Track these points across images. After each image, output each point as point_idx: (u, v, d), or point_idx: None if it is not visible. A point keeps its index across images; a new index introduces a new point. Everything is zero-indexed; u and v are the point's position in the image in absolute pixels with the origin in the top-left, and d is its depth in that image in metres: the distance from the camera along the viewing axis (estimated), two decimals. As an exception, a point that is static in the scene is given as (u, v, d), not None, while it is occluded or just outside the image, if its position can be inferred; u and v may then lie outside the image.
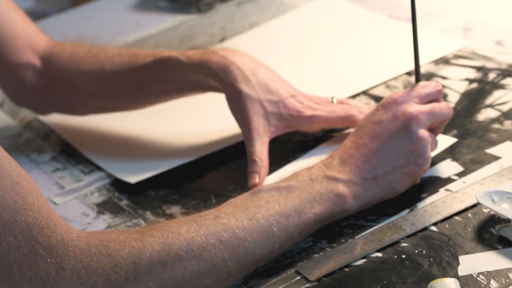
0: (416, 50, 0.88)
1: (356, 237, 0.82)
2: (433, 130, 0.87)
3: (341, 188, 0.81)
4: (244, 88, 0.94)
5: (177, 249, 0.73)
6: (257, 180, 0.92)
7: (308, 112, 0.95)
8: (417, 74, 0.88)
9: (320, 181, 0.82)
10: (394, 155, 0.83)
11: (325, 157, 0.85)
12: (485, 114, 0.97)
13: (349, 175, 0.82)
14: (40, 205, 0.71)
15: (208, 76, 0.96)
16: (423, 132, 0.84)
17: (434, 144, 0.87)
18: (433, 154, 0.91)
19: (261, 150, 0.93)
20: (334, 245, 0.82)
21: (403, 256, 0.78)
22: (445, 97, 1.02)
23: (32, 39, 1.07)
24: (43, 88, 1.07)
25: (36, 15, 1.53)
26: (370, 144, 0.83)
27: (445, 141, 0.93)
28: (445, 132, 0.95)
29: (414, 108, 0.84)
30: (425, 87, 0.87)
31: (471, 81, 1.04)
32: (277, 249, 0.79)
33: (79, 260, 0.71)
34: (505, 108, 0.97)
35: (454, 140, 0.93)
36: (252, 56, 0.97)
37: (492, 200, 0.79)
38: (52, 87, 1.07)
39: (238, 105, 0.94)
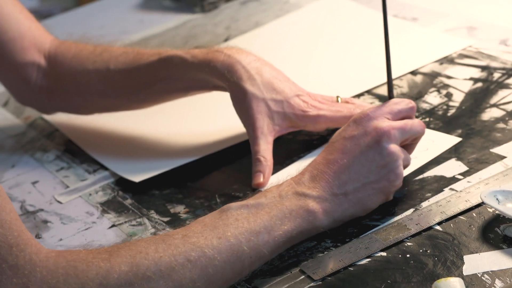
0: (388, 66, 0.86)
1: (361, 236, 0.82)
2: (406, 148, 0.85)
3: (311, 204, 0.80)
4: (249, 87, 0.94)
5: (145, 269, 0.72)
6: (261, 179, 0.91)
7: (313, 111, 0.95)
8: (390, 91, 0.87)
9: (290, 197, 0.80)
10: (365, 171, 0.81)
11: None
12: (490, 114, 0.97)
13: (319, 191, 0.80)
14: (12, 223, 0.69)
15: (212, 75, 0.96)
16: (394, 148, 0.82)
17: (407, 160, 0.84)
18: (438, 153, 0.91)
19: (265, 149, 0.93)
20: (338, 244, 0.81)
21: (408, 255, 0.78)
22: (449, 96, 1.02)
23: (38, 38, 1.07)
24: (47, 88, 1.07)
25: (40, 15, 1.53)
26: (340, 160, 0.81)
27: (449, 140, 0.93)
28: (449, 131, 0.95)
29: (385, 123, 0.82)
30: (397, 103, 0.85)
31: (475, 80, 1.04)
32: (247, 268, 0.77)
33: (45, 281, 0.69)
34: (510, 107, 0.97)
35: (458, 139, 0.93)
36: (257, 55, 0.97)
37: (497, 199, 0.79)
38: (57, 87, 1.07)
39: (243, 104, 0.94)
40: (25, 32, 1.06)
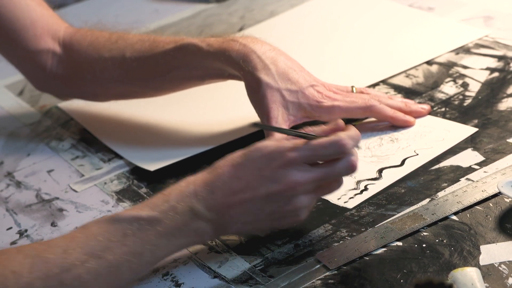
0: None
1: (376, 226, 0.82)
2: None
3: (203, 226, 0.78)
4: (264, 77, 0.94)
5: None
6: (276, 169, 0.91)
7: (327, 102, 0.95)
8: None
9: (185, 215, 0.77)
10: (265, 205, 0.78)
11: None
12: (506, 104, 0.96)
13: (214, 213, 0.78)
14: None
15: (228, 64, 0.95)
16: (296, 178, 0.78)
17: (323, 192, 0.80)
18: (454, 143, 0.91)
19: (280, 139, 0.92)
20: (354, 234, 0.81)
21: (424, 245, 0.78)
22: (466, 86, 1.02)
23: (51, 25, 1.07)
24: (63, 75, 1.07)
25: (53, 4, 1.53)
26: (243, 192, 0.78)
27: (465, 130, 0.93)
28: (465, 121, 0.95)
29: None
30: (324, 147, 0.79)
31: (492, 70, 1.03)
32: (124, 286, 0.77)
33: None
34: (526, 97, 0.97)
35: (474, 129, 0.93)
36: (272, 44, 0.97)
37: (514, 189, 0.78)
38: (73, 74, 1.07)
39: (258, 93, 0.94)
40: (37, 19, 1.06)
